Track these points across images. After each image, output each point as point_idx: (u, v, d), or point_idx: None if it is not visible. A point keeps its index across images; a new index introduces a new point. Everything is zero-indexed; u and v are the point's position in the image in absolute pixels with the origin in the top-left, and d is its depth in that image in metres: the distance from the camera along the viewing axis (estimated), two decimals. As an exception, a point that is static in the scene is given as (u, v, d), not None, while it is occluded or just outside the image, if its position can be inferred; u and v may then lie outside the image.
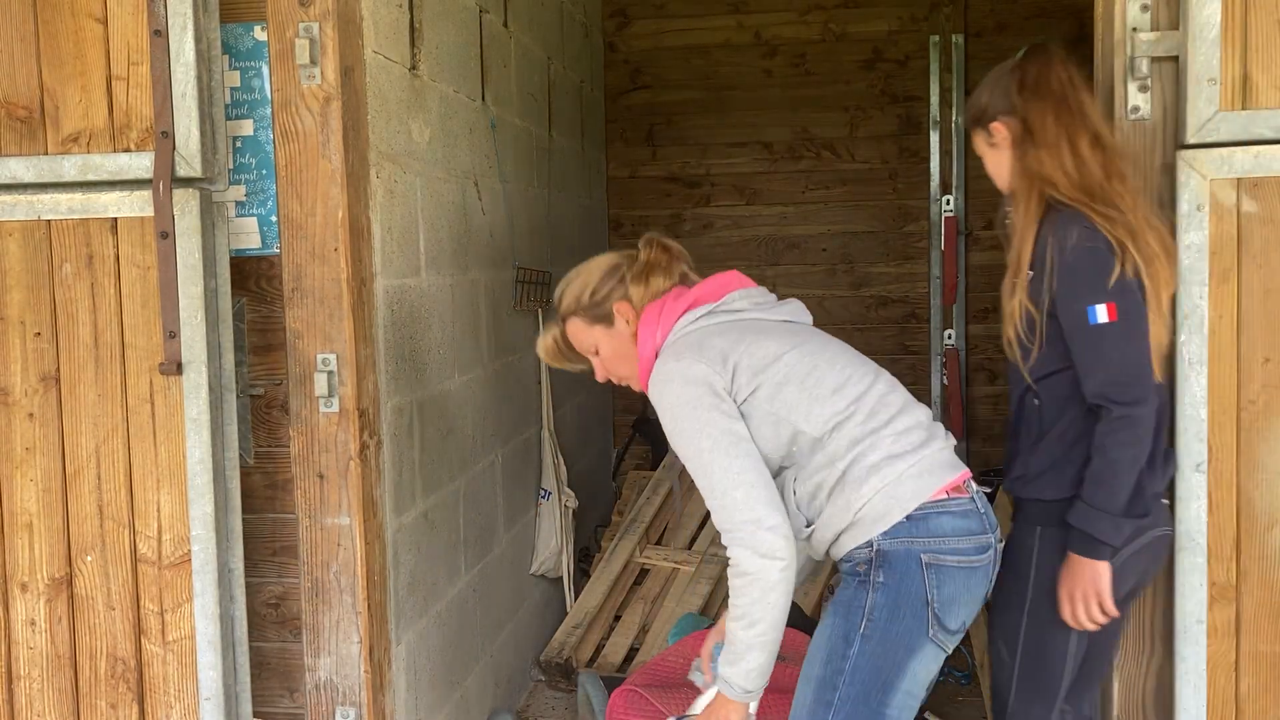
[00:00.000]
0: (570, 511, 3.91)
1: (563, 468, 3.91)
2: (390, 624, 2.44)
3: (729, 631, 1.90)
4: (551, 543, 3.81)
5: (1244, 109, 1.99)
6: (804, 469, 1.92)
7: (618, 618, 3.91)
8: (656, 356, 2.06)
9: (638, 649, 3.74)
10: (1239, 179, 1.99)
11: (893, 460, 1.88)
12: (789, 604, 1.87)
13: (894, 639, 1.86)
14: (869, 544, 1.88)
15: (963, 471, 1.94)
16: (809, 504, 1.92)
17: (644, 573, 4.08)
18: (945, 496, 1.89)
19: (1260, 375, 2.02)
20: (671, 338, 2.06)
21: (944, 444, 1.96)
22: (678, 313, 2.07)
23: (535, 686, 3.71)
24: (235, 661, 2.23)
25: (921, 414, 1.98)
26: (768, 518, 1.84)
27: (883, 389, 1.98)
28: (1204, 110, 1.98)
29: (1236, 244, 2.00)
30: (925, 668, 1.90)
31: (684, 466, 1.97)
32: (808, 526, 1.93)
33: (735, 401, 1.94)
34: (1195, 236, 1.99)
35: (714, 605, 3.86)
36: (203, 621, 2.16)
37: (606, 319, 2.14)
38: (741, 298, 2.10)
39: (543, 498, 3.83)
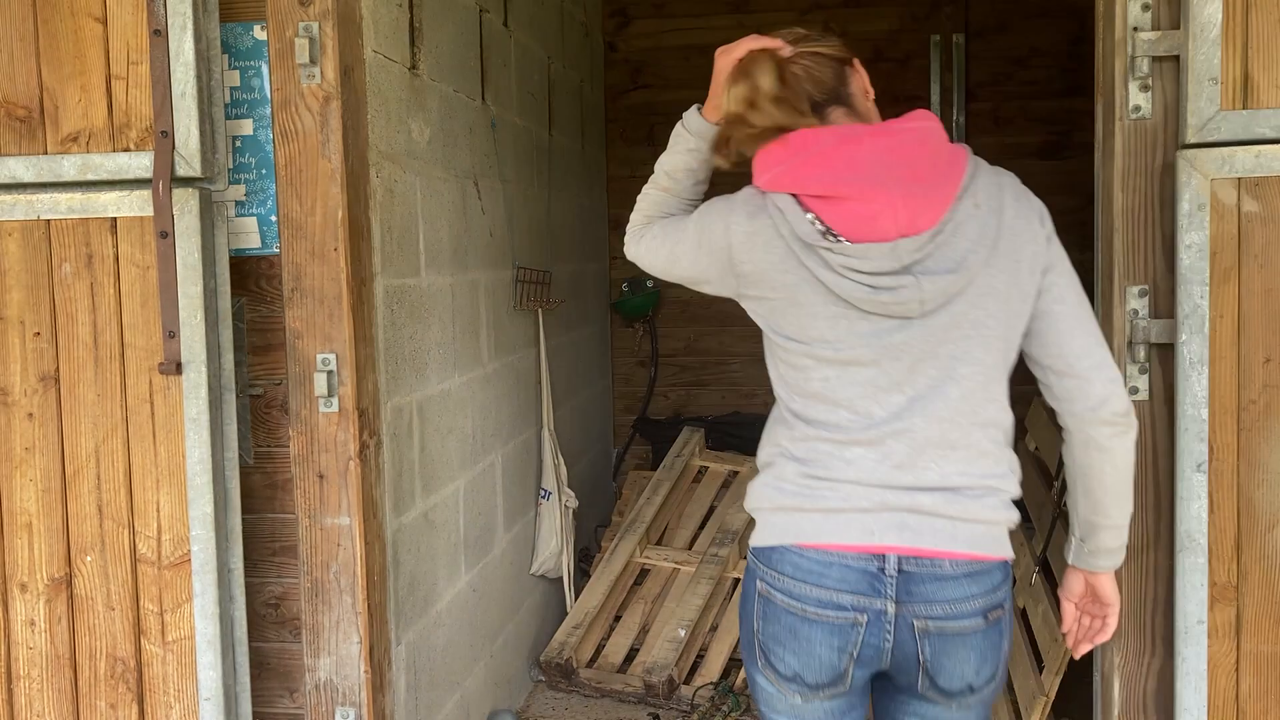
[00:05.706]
0: (570, 511, 3.91)
1: (563, 468, 3.91)
2: (390, 624, 2.44)
3: None
4: (551, 543, 3.81)
5: (1245, 108, 1.98)
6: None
7: (618, 618, 3.91)
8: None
9: (638, 649, 3.74)
10: (1240, 179, 1.98)
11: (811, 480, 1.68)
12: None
13: (744, 639, 1.76)
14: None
15: (886, 544, 1.61)
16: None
17: (644, 573, 4.08)
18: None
19: (1261, 375, 2.02)
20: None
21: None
22: (763, 169, 1.72)
23: (535, 687, 3.71)
24: (235, 662, 2.23)
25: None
26: None
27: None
28: (1205, 110, 1.98)
29: (1237, 244, 2.00)
30: (767, 692, 1.74)
31: None
32: None
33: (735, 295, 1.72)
34: (1196, 236, 1.98)
35: (714, 605, 3.86)
36: (202, 621, 2.16)
37: None
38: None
39: (543, 498, 3.82)
